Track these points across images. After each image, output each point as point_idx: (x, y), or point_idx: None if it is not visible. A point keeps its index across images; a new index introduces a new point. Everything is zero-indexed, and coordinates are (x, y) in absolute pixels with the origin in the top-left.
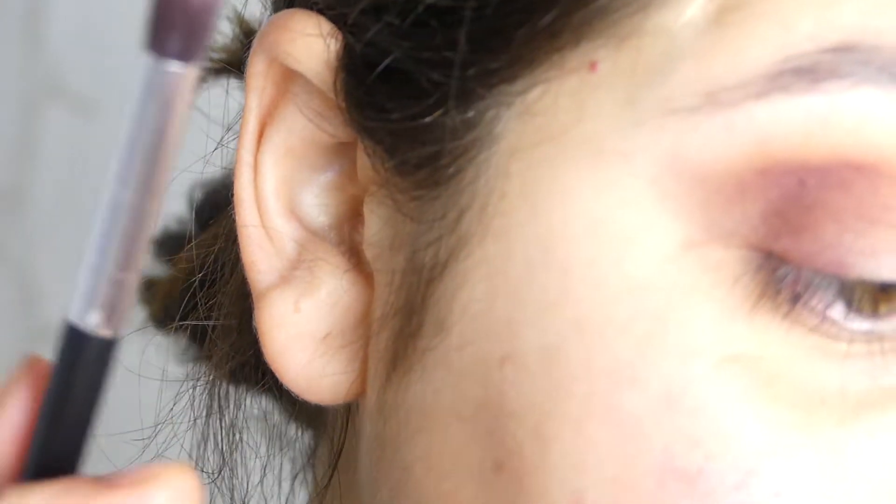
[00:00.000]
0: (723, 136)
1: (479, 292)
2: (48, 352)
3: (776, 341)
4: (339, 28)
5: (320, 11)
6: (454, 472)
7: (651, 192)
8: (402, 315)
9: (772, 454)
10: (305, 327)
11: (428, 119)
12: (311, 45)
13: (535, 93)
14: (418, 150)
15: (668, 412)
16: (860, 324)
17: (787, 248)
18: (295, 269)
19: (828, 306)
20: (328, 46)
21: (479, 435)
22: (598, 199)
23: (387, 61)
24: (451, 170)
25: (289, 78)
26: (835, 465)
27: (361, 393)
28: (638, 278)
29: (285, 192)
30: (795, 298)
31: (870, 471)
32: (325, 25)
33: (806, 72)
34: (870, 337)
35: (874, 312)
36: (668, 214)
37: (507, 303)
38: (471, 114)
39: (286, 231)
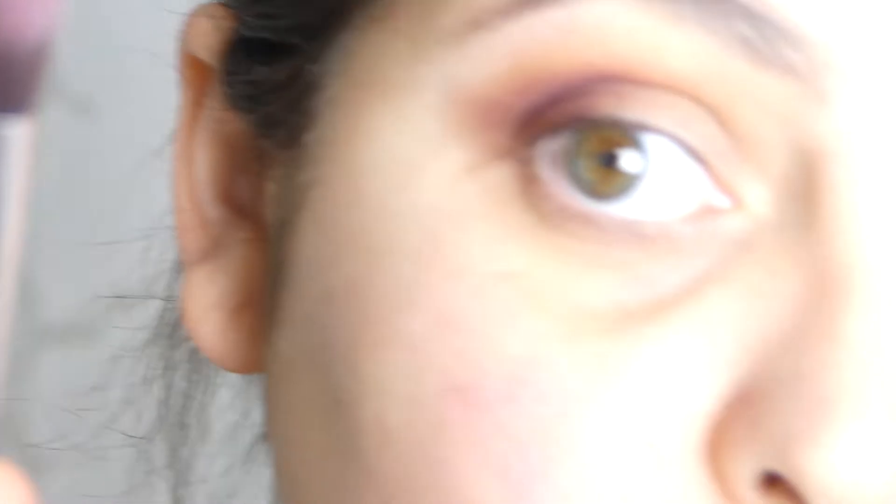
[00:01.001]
0: (484, 57)
1: (310, 237)
2: (49, 352)
3: (544, 257)
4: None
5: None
6: (307, 416)
7: (436, 122)
8: (271, 274)
9: (535, 364)
10: (218, 298)
11: (256, 77)
12: (207, 32)
13: (350, 43)
14: (263, 110)
15: (442, 331)
16: (611, 207)
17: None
18: (217, 247)
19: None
20: (218, 32)
21: (320, 376)
22: (392, 134)
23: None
24: (292, 125)
25: (205, 69)
26: (596, 373)
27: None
28: (422, 204)
29: (219, 176)
30: (553, 203)
31: (631, 380)
32: (219, 11)
33: None
34: (628, 241)
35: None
36: (452, 141)
37: (326, 243)
38: (295, 67)
39: (216, 214)
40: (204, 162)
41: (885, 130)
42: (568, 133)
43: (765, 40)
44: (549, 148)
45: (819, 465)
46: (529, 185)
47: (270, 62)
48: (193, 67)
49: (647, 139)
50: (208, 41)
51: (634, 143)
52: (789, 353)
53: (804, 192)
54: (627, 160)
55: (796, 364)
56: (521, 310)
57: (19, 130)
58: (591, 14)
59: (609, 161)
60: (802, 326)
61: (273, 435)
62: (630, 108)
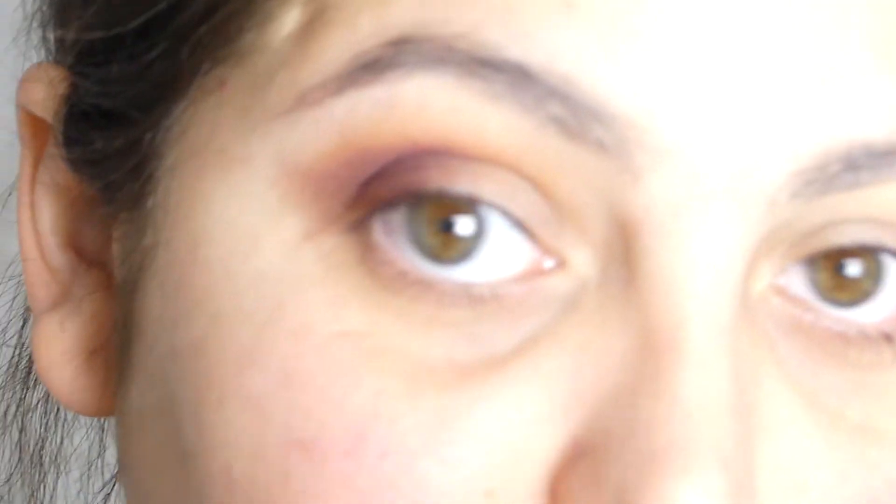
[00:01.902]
0: (312, 132)
1: (156, 298)
2: None
3: (383, 318)
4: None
5: (54, 60)
6: (158, 465)
7: (272, 191)
8: (119, 327)
9: (376, 420)
10: (70, 345)
11: (94, 145)
12: (41, 91)
13: (185, 115)
14: (103, 177)
15: (284, 388)
16: (447, 271)
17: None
18: (67, 294)
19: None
20: (54, 92)
21: (169, 429)
22: (229, 203)
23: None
24: (134, 190)
25: (43, 125)
26: (436, 428)
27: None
28: (263, 270)
29: (63, 226)
30: (392, 269)
31: (469, 433)
32: (53, 71)
33: (371, 65)
34: (457, 298)
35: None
36: (289, 209)
37: (171, 305)
38: (134, 137)
39: (62, 262)
40: (48, 211)
41: (693, 200)
42: (402, 206)
43: (576, 120)
44: (386, 218)
45: None
46: (368, 252)
47: (108, 130)
48: (31, 123)
49: (482, 209)
50: (44, 100)
51: (470, 210)
52: (622, 407)
53: (624, 255)
54: (463, 225)
55: (628, 419)
56: (363, 368)
57: None
58: (411, 92)
59: (448, 227)
60: (632, 382)
61: (125, 480)
62: (457, 182)
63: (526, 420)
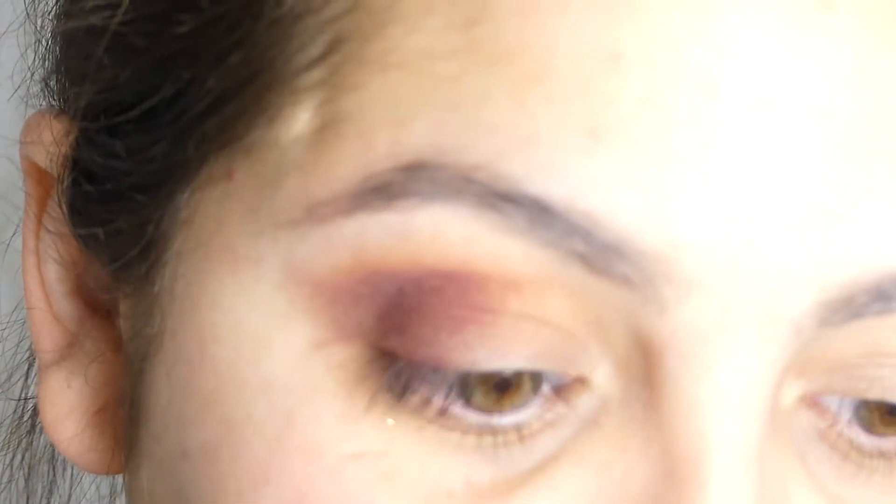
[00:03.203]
0: (323, 248)
1: (163, 387)
2: None
3: (399, 437)
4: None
5: (59, 109)
6: None
7: (280, 296)
8: (127, 404)
9: None
10: (76, 403)
11: (104, 224)
12: (45, 143)
13: (191, 201)
14: (110, 255)
15: None
16: (476, 417)
17: (395, 347)
18: (72, 347)
19: (446, 400)
20: (58, 149)
21: None
22: (237, 301)
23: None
24: (141, 272)
25: (47, 175)
26: None
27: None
28: (272, 378)
29: (70, 275)
30: (406, 391)
31: None
32: (57, 125)
33: (382, 190)
34: (482, 430)
35: (492, 407)
36: (298, 316)
37: (179, 400)
38: (140, 219)
39: (69, 311)
40: (54, 259)
41: (719, 329)
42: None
43: (600, 257)
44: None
45: None
46: (389, 378)
47: (114, 208)
48: (35, 172)
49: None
50: (48, 154)
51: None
52: None
53: (646, 376)
54: (518, 387)
55: None
56: (377, 491)
57: None
58: (425, 222)
59: (503, 387)
60: None
61: None
62: (480, 362)
63: None
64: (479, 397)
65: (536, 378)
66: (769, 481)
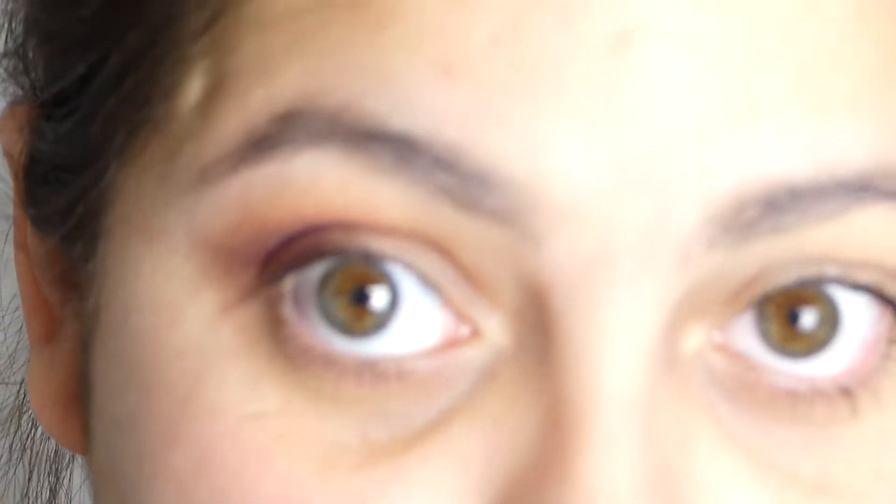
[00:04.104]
0: (216, 209)
1: (101, 361)
2: None
3: (296, 396)
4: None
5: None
6: None
7: (189, 264)
8: (80, 382)
9: (286, 502)
10: (58, 385)
11: (45, 210)
12: (13, 135)
13: (116, 179)
14: (55, 235)
15: (202, 469)
16: (344, 344)
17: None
18: (58, 331)
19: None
20: (22, 140)
21: (117, 495)
22: (154, 273)
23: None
24: (78, 251)
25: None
26: None
27: None
28: (185, 343)
29: (54, 262)
30: (298, 343)
31: None
32: (22, 116)
33: (261, 143)
34: (360, 367)
35: (353, 323)
36: (205, 283)
37: (112, 371)
38: (70, 198)
39: (56, 295)
40: (40, 247)
41: (599, 261)
42: (308, 268)
43: (466, 189)
44: (297, 287)
45: None
46: (277, 326)
47: (51, 189)
48: (12, 162)
49: (395, 273)
50: (14, 144)
51: (383, 279)
52: (531, 488)
53: (537, 323)
54: (377, 297)
55: (536, 500)
56: (274, 450)
57: None
58: (301, 170)
59: (360, 298)
60: (541, 463)
61: None
62: (357, 239)
63: (440, 501)
64: (338, 312)
65: (394, 293)
66: (662, 432)
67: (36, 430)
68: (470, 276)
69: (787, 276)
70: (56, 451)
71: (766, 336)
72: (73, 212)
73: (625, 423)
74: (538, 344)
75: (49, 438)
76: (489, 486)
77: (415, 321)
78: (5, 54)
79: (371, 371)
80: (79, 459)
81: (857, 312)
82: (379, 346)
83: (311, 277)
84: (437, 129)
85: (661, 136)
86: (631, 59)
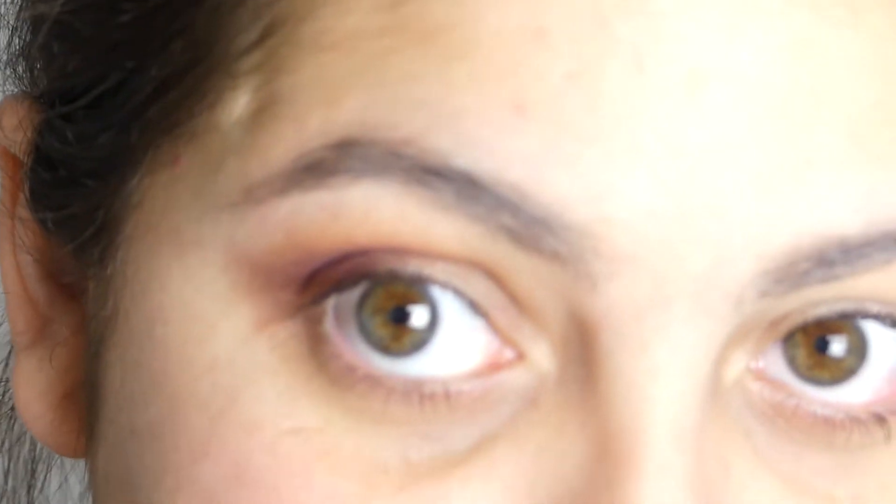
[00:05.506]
0: (259, 229)
1: (117, 369)
2: None
3: (337, 414)
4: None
5: (28, 92)
6: None
7: (224, 278)
8: (86, 386)
9: None
10: (47, 385)
11: (61, 213)
12: (14, 129)
13: (141, 186)
14: (69, 239)
15: (235, 483)
16: (386, 365)
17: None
18: (45, 330)
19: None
20: (24, 135)
21: (129, 502)
22: (184, 285)
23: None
24: (96, 256)
25: (17, 160)
26: None
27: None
28: (217, 358)
29: (43, 259)
30: (341, 362)
31: None
32: (23, 109)
33: (314, 168)
34: (408, 388)
35: (389, 342)
36: (241, 297)
37: (131, 381)
38: (92, 204)
39: (42, 293)
40: (28, 244)
41: (654, 305)
42: (353, 289)
43: (528, 231)
44: (338, 305)
45: None
46: (318, 344)
47: (70, 192)
48: (8, 157)
49: (436, 294)
50: (17, 138)
51: (423, 298)
52: None
53: (583, 354)
54: (417, 316)
55: None
56: (315, 466)
57: None
58: (356, 199)
59: (399, 317)
60: (589, 491)
61: None
62: (409, 264)
63: None
64: (375, 329)
65: (434, 313)
66: (708, 462)
67: (13, 430)
68: (518, 301)
69: (829, 310)
70: (34, 453)
71: (792, 362)
72: (94, 217)
73: (675, 453)
74: (583, 375)
75: (27, 440)
76: None
77: (455, 341)
78: (9, 56)
79: (419, 392)
80: (60, 460)
81: (884, 343)
82: (420, 367)
83: (352, 295)
84: (503, 170)
85: (722, 188)
86: (701, 104)
